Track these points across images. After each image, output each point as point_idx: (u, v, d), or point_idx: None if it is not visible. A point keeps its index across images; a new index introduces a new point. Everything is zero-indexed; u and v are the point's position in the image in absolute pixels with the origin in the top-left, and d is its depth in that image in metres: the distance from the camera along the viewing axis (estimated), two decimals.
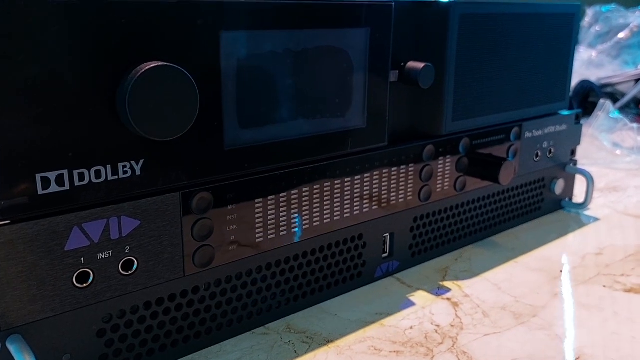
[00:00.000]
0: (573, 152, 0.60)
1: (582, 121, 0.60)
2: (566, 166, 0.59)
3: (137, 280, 0.32)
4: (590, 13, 1.28)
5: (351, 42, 0.39)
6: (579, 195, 0.62)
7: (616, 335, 0.38)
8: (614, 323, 0.39)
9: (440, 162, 0.47)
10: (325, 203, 0.40)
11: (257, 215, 0.36)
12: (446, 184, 0.48)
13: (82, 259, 0.30)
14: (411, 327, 0.39)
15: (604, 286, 0.44)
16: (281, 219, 0.38)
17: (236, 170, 0.34)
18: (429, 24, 0.44)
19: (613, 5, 1.27)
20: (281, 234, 0.38)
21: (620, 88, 1.13)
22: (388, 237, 0.45)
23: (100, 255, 0.30)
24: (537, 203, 0.58)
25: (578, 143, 0.60)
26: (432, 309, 0.41)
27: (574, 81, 1.13)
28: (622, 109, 1.08)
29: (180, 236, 0.33)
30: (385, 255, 0.45)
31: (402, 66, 0.43)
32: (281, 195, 0.37)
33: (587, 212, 0.60)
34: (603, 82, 1.11)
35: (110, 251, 0.31)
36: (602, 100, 0.85)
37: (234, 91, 0.33)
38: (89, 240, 0.30)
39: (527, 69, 0.51)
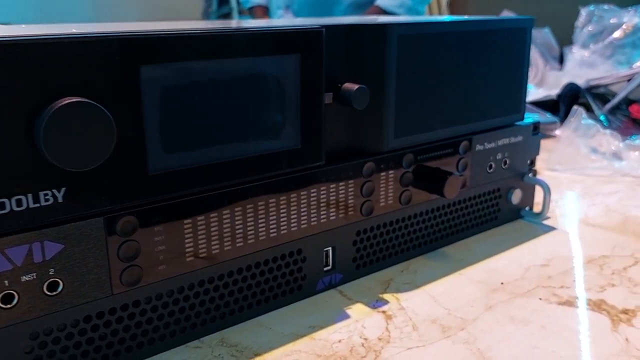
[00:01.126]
0: (532, 162, 0.61)
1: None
2: (524, 176, 0.60)
3: (64, 299, 0.34)
4: (583, 13, 1.27)
5: (281, 68, 0.40)
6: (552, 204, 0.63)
7: (537, 350, 0.39)
8: (538, 337, 0.41)
9: (382, 177, 0.48)
10: (260, 221, 0.42)
11: (186, 236, 0.38)
12: (390, 198, 0.49)
13: (6, 281, 0.32)
14: (340, 341, 0.40)
15: (540, 299, 0.46)
16: (212, 238, 0.40)
17: (162, 194, 0.36)
18: (367, 45, 0.45)
19: (605, 6, 1.26)
20: (213, 251, 0.40)
21: (613, 88, 1.12)
22: (330, 250, 0.47)
23: (24, 278, 0.32)
24: (493, 213, 0.59)
25: (536, 153, 0.61)
26: (365, 322, 0.43)
27: (564, 82, 1.13)
28: (613, 111, 1.08)
29: (105, 257, 0.35)
30: (328, 268, 0.47)
31: (338, 87, 0.44)
32: (212, 215, 0.39)
33: (546, 222, 0.61)
34: (593, 83, 1.11)
35: (34, 274, 0.33)
36: (575, 107, 0.86)
37: (157, 120, 0.35)
38: (12, 264, 0.32)
39: (476, 83, 0.53)
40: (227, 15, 3.01)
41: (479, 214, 0.57)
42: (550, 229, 0.59)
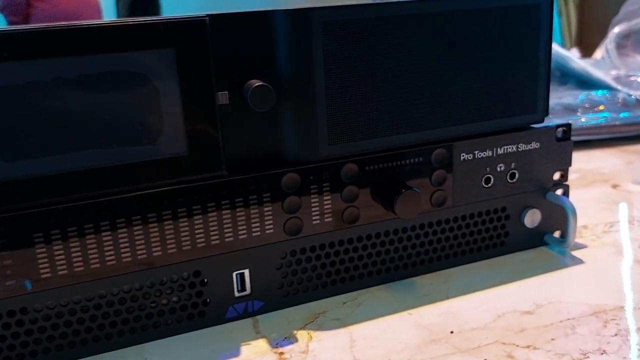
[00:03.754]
0: (563, 176, 0.48)
1: None
2: (547, 193, 0.48)
3: None
4: None
5: (150, 65, 0.35)
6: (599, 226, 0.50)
7: None
8: None
9: (314, 191, 0.40)
10: (136, 238, 0.37)
11: (39, 253, 0.35)
12: (327, 216, 0.41)
13: None
14: None
15: (485, 359, 0.35)
16: (74, 256, 0.36)
17: (1, 205, 0.34)
18: (284, 36, 0.38)
19: None
20: (76, 270, 0.36)
21: None
22: (247, 274, 0.41)
23: None
24: (496, 238, 0.47)
25: (567, 164, 0.48)
26: None
27: None
28: None
29: None
30: (244, 293, 0.41)
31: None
32: (69, 230, 0.35)
33: (578, 252, 0.48)
34: None
35: None
36: None
37: None
38: None
39: (457, 77, 0.42)
40: None
41: (472, 239, 0.46)
42: (576, 262, 0.46)
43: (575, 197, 0.59)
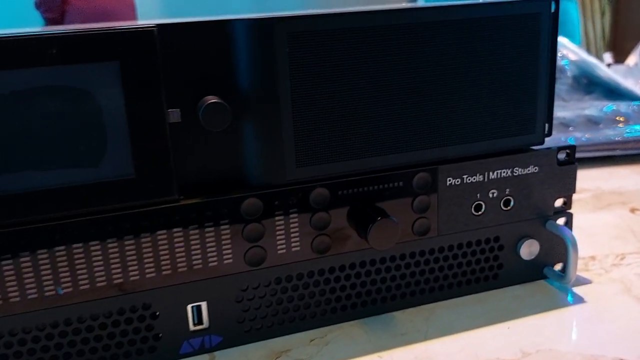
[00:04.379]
0: (566, 203, 0.43)
1: None
2: (547, 222, 0.43)
3: None
4: None
5: (91, 79, 0.32)
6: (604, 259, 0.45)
7: None
8: None
9: (279, 218, 0.37)
10: (78, 267, 0.34)
11: None
12: (294, 244, 0.38)
13: None
14: None
15: None
16: (9, 285, 0.33)
17: None
18: (244, 48, 0.34)
19: None
20: (11, 300, 0.33)
21: None
22: (204, 307, 0.37)
23: None
24: (489, 270, 0.43)
25: (570, 190, 0.43)
26: None
27: None
28: None
29: None
30: (200, 327, 0.37)
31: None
32: (2, 258, 0.32)
33: (578, 288, 0.43)
34: None
35: None
36: None
37: None
38: None
39: (443, 94, 0.38)
40: None
41: (459, 271, 0.42)
42: (576, 300, 0.41)
43: (586, 222, 0.55)
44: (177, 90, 0.34)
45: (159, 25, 0.32)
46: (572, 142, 0.76)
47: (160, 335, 0.37)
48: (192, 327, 0.37)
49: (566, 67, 0.96)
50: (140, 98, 0.33)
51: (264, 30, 0.33)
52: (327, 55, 0.35)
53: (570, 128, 0.83)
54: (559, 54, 0.93)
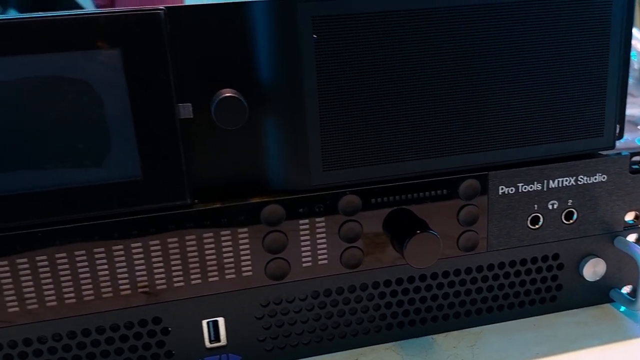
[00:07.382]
0: (638, 217, 0.38)
1: None
2: (615, 238, 0.37)
3: None
4: None
5: (91, 69, 0.29)
6: None
7: None
8: None
9: (304, 227, 0.33)
10: (81, 276, 0.31)
11: None
12: (322, 257, 0.33)
13: None
14: None
15: None
16: (7, 295, 0.30)
17: None
18: (267, 33, 0.30)
19: None
20: (9, 310, 0.30)
21: None
22: (221, 322, 0.34)
23: None
24: (545, 291, 0.37)
25: None
26: None
27: None
28: None
29: None
30: (217, 345, 0.34)
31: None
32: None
33: None
34: None
35: None
36: None
37: None
38: None
39: (494, 89, 0.33)
40: None
41: (512, 291, 0.37)
42: None
43: None
44: (189, 83, 0.30)
45: (167, 9, 0.29)
46: None
47: (173, 352, 0.33)
48: (208, 345, 0.34)
49: (633, 58, 0.87)
50: (146, 90, 0.29)
51: (286, 13, 0.29)
52: (359, 43, 0.30)
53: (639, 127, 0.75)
54: None
